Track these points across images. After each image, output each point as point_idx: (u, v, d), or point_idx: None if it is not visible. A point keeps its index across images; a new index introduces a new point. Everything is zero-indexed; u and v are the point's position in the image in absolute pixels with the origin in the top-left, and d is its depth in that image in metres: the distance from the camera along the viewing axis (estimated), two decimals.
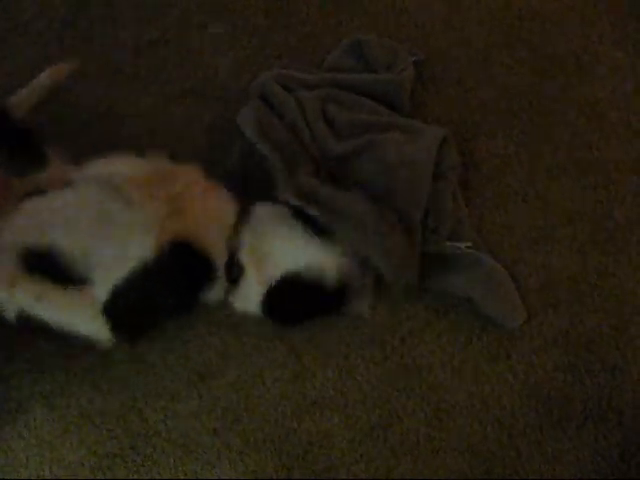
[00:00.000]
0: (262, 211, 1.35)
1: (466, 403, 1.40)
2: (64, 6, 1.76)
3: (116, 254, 1.20)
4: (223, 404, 1.41)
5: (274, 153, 1.42)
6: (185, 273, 1.27)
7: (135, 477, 1.37)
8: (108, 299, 1.22)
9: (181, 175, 1.32)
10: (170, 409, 1.40)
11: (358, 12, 1.74)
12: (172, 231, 1.23)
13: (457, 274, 1.42)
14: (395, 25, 1.73)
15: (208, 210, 1.30)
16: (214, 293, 1.33)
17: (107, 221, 1.21)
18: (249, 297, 1.33)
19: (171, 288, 1.27)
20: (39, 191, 1.25)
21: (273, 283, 1.30)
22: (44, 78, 1.51)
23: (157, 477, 1.37)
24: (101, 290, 1.21)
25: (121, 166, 1.30)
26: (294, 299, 1.32)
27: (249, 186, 1.46)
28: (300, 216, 1.33)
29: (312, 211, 1.33)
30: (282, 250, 1.31)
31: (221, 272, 1.30)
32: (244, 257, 1.31)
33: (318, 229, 1.32)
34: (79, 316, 1.25)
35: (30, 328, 1.27)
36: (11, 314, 1.24)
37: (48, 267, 1.20)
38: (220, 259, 1.30)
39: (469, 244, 1.44)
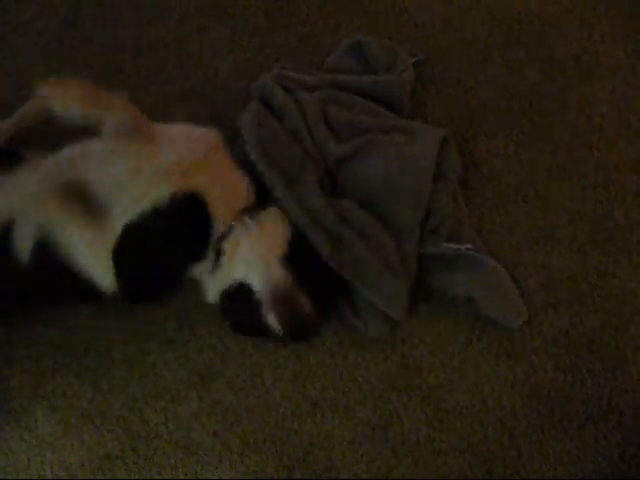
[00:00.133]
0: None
1: (467, 403, 1.40)
2: (64, 6, 1.76)
3: (137, 195, 1.24)
4: (223, 405, 1.41)
5: (271, 169, 1.40)
6: (190, 225, 1.28)
7: (136, 478, 1.37)
8: (118, 240, 1.24)
9: (206, 137, 1.36)
10: (170, 410, 1.40)
11: (358, 13, 1.74)
12: (189, 184, 1.26)
13: (457, 274, 1.42)
14: (395, 25, 1.73)
15: (224, 178, 1.33)
16: (203, 266, 1.33)
17: (135, 163, 1.26)
18: (213, 284, 1.34)
19: (174, 236, 1.28)
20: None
21: (227, 287, 1.31)
22: (28, 108, 1.48)
23: (158, 478, 1.37)
24: (116, 228, 1.24)
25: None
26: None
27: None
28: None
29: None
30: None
31: (213, 243, 1.31)
32: (227, 245, 1.31)
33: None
34: (93, 253, 1.27)
35: (40, 268, 1.27)
36: (29, 243, 1.26)
37: (80, 199, 1.25)
38: (219, 229, 1.30)
39: (469, 246, 1.44)
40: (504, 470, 1.36)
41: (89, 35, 1.73)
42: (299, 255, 1.31)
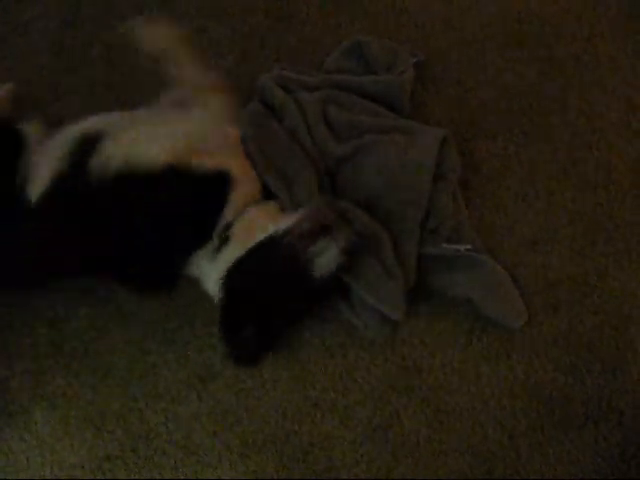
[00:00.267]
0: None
1: (466, 404, 1.40)
2: (64, 6, 1.76)
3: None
4: (223, 405, 1.41)
5: (268, 174, 1.41)
6: (211, 199, 1.32)
7: (136, 478, 1.37)
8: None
9: (232, 132, 1.44)
10: (170, 411, 1.40)
11: (358, 13, 1.74)
12: (225, 164, 1.33)
13: (457, 275, 1.42)
14: (395, 26, 1.72)
15: (249, 170, 1.39)
16: (203, 253, 1.33)
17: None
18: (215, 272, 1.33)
19: (194, 202, 1.29)
20: None
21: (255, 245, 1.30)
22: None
23: (158, 478, 1.37)
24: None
25: None
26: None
27: None
28: None
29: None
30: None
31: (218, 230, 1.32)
32: (236, 228, 1.32)
33: None
34: None
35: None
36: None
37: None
38: (229, 215, 1.32)
39: (469, 246, 1.44)
40: (504, 470, 1.37)
41: (89, 35, 1.73)
42: None
